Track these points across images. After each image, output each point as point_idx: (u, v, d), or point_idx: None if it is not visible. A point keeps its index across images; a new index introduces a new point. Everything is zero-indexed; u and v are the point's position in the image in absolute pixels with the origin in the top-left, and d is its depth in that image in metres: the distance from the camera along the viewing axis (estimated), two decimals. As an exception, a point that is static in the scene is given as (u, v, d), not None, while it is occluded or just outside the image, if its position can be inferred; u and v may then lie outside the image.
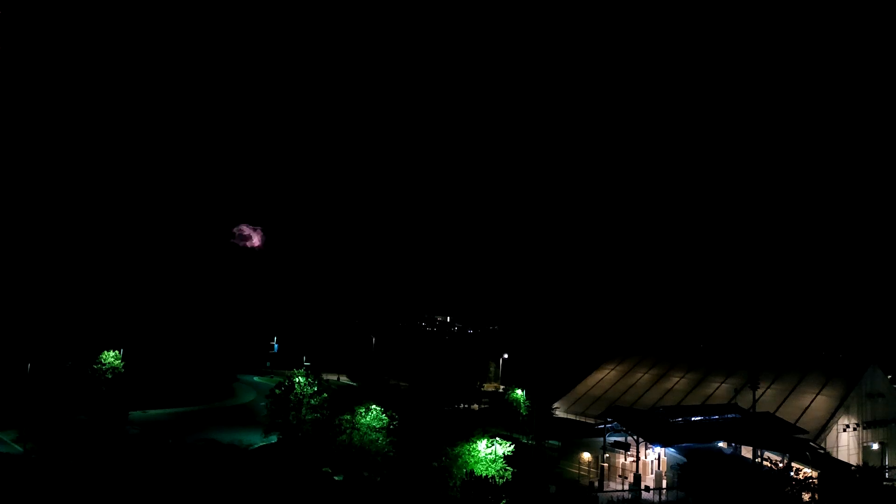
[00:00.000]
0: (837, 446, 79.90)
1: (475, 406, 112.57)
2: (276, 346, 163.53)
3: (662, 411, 78.76)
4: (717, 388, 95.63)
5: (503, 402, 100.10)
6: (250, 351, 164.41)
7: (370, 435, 69.31)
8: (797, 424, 78.36)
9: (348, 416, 70.49)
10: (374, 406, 71.26)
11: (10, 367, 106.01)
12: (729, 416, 76.28)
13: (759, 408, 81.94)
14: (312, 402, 74.04)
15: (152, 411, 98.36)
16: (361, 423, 69.72)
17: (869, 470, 63.40)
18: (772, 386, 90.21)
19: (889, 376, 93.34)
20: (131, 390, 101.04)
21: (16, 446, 71.75)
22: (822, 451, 71.10)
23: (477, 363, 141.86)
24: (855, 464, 73.37)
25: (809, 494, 60.16)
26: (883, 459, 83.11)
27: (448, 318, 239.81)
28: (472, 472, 57.76)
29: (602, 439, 73.64)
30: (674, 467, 66.73)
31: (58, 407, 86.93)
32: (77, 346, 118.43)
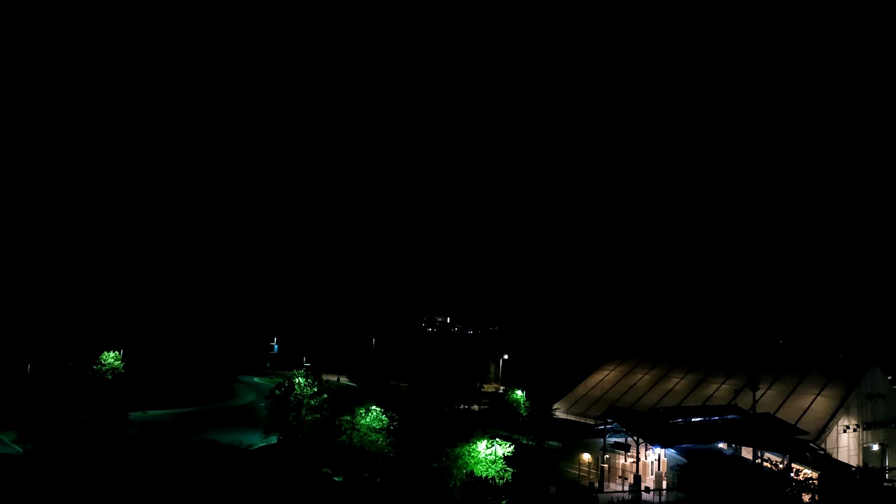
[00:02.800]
0: (837, 447, 79.78)
1: (475, 407, 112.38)
2: (276, 346, 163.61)
3: (662, 412, 78.67)
4: (718, 388, 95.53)
5: (503, 403, 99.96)
6: (250, 351, 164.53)
7: (370, 436, 69.15)
8: (797, 425, 78.23)
9: (348, 417, 70.34)
10: (374, 407, 71.08)
11: (10, 368, 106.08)
12: (729, 416, 76.18)
13: (760, 409, 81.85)
14: (312, 402, 73.87)
15: (152, 412, 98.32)
16: (361, 424, 69.56)
17: (869, 471, 63.34)
18: (772, 387, 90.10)
19: (889, 377, 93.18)
20: (131, 391, 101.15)
21: (16, 447, 71.65)
22: (822, 452, 70.98)
23: (477, 364, 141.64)
24: (855, 465, 73.34)
25: (809, 495, 60.11)
26: (883, 460, 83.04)
27: (448, 319, 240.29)
28: (472, 472, 57.68)
29: (602, 440, 73.55)
30: (674, 468, 66.69)
31: (58, 407, 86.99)
32: (77, 346, 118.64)
